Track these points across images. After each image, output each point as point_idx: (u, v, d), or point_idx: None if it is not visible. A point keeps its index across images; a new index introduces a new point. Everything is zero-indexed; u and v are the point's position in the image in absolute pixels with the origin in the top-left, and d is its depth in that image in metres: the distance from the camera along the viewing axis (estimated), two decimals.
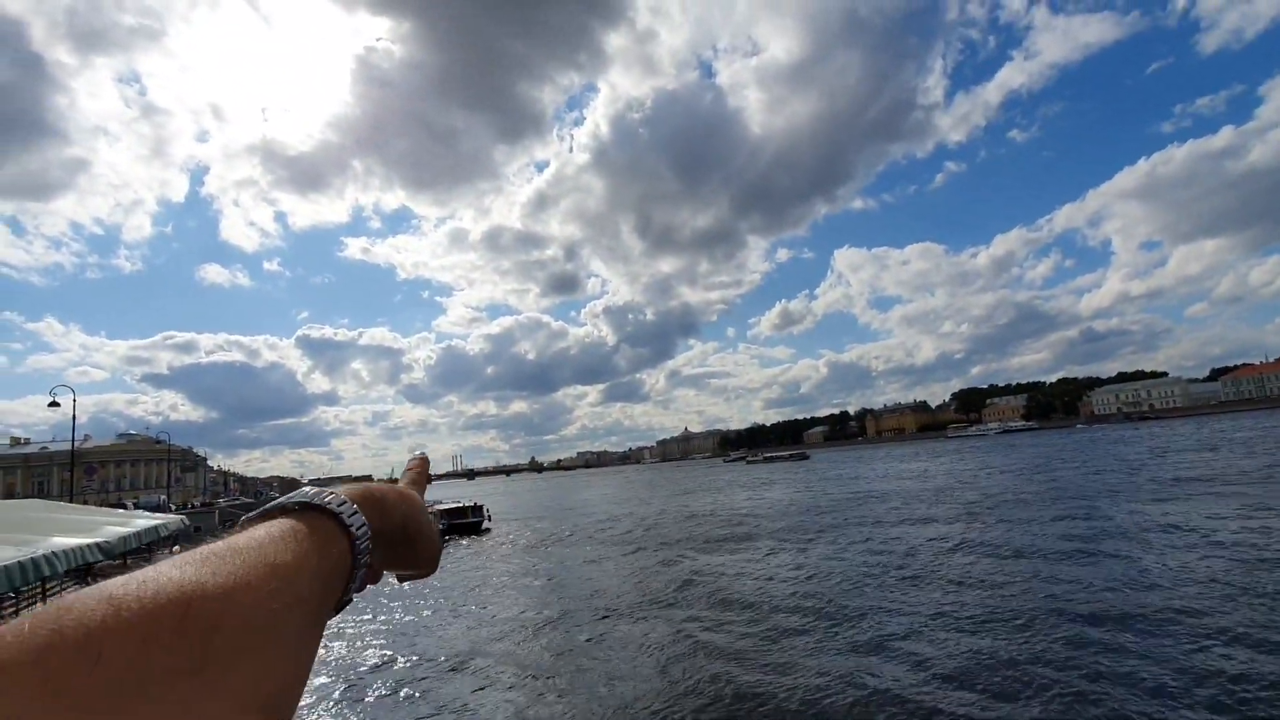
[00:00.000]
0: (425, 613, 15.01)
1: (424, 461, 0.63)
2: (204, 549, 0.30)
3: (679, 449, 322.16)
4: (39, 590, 13.22)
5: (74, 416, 34.66)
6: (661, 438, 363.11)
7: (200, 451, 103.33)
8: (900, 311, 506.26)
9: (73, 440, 39.20)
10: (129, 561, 18.70)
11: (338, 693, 9.85)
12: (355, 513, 0.41)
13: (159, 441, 72.73)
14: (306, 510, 0.39)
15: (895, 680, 8.09)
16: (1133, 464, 35.69)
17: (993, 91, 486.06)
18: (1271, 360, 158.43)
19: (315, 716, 8.94)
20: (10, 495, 70.65)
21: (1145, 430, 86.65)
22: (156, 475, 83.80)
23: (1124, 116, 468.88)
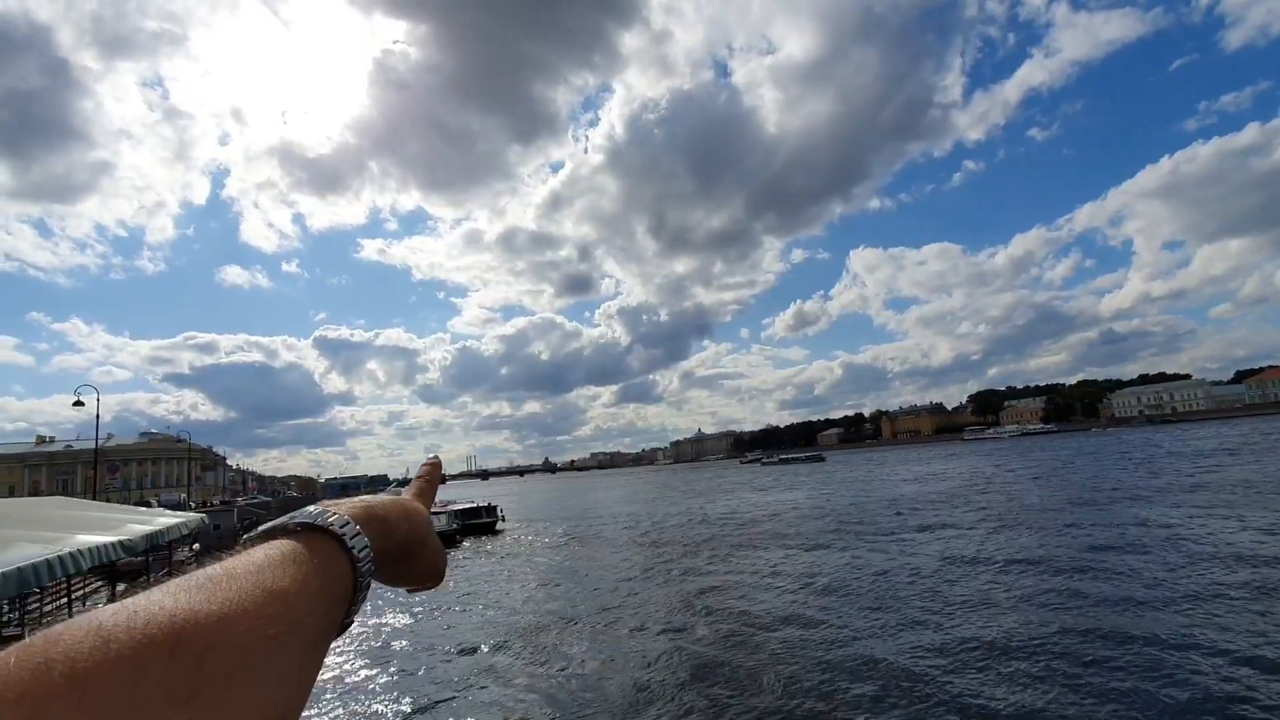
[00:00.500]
0: (435, 613, 15.08)
1: (435, 466, 0.62)
2: (200, 574, 0.30)
3: (692, 450, 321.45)
4: (64, 586, 13.46)
5: (98, 416, 35.29)
6: (675, 439, 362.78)
7: (219, 450, 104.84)
8: (917, 312, 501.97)
9: (96, 439, 39.86)
10: (150, 559, 19.01)
11: (343, 688, 9.93)
12: (357, 534, 0.40)
13: (180, 440, 73.86)
14: (308, 531, 0.38)
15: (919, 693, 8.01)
16: (1161, 468, 35.09)
17: (1012, 89, 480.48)
18: None
19: (318, 714, 9.01)
20: (35, 492, 72.05)
21: (1166, 434, 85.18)
22: (177, 474, 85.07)
23: (1146, 114, 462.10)
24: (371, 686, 10.13)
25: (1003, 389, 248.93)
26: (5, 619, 11.86)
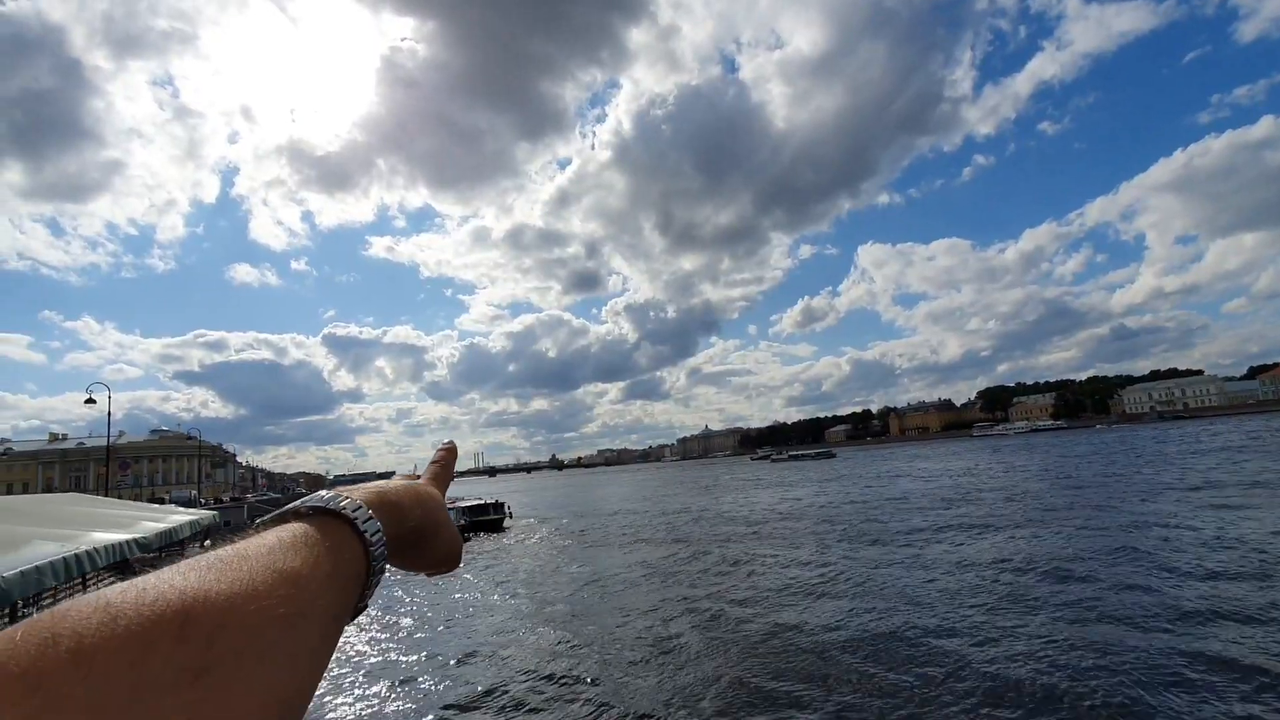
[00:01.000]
0: (442, 609, 15.12)
1: (450, 452, 0.62)
2: (212, 555, 0.30)
3: (699, 447, 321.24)
4: (80, 585, 13.57)
5: (109, 413, 35.64)
6: (682, 435, 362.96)
7: (229, 448, 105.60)
8: (925, 308, 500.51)
9: (108, 436, 40.24)
10: (163, 556, 19.16)
11: (348, 684, 9.96)
12: (370, 518, 0.40)
13: (190, 438, 74.58)
14: (321, 515, 0.38)
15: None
16: (1167, 464, 34.78)
17: (1023, 82, 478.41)
18: None
19: (325, 710, 9.03)
20: (49, 489, 72.89)
21: (1177, 430, 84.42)
22: (188, 470, 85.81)
23: (1159, 107, 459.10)
24: (376, 677, 10.15)
25: (1012, 385, 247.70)
26: (21, 617, 11.96)
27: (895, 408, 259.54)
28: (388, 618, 14.50)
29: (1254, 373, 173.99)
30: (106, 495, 32.35)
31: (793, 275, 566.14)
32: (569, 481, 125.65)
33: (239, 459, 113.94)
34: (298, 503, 0.40)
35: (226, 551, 0.30)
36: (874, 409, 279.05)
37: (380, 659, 11.46)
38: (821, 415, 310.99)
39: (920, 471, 49.26)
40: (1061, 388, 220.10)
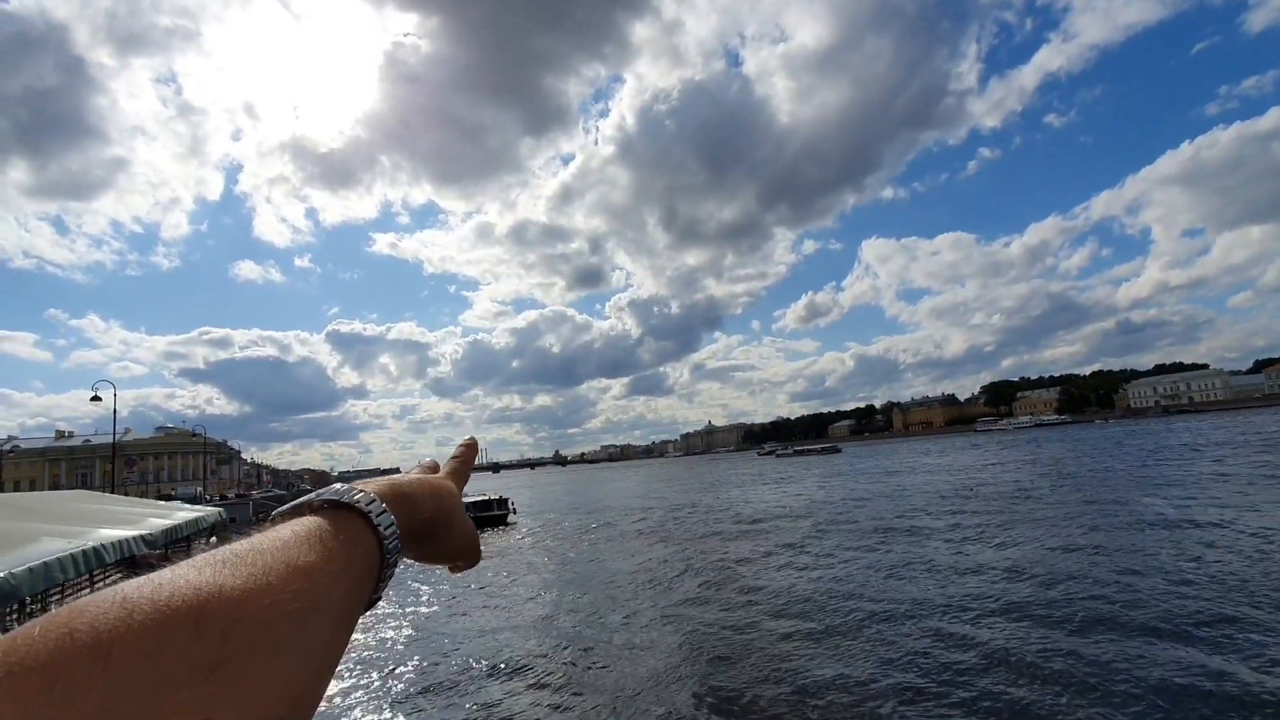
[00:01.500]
0: (447, 603, 15.18)
1: (471, 447, 0.63)
2: (227, 549, 0.30)
3: (702, 442, 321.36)
4: (87, 580, 13.66)
5: (115, 410, 35.79)
6: (685, 431, 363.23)
7: (234, 444, 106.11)
8: (929, 303, 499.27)
9: (114, 433, 40.41)
10: (170, 553, 19.29)
11: (355, 672, 10.02)
12: (384, 511, 0.40)
13: (195, 435, 74.82)
14: (335, 508, 0.39)
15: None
16: (1168, 459, 34.69)
17: (1029, 75, 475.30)
18: None
19: (333, 707, 9.10)
20: (55, 486, 73.38)
21: (1180, 424, 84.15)
22: (193, 467, 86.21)
23: (1166, 99, 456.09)
24: (382, 671, 10.21)
25: (1016, 380, 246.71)
26: (30, 613, 12.06)
27: (899, 403, 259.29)
28: (393, 609, 14.58)
29: (1259, 366, 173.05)
30: (113, 492, 32.54)
31: (796, 270, 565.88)
32: (572, 477, 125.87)
33: (244, 456, 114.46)
34: (312, 496, 0.40)
35: (241, 545, 0.31)
36: (877, 404, 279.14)
37: (383, 651, 11.53)
38: (825, 411, 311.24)
39: (927, 467, 49.19)
40: (1066, 382, 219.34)
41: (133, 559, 11.59)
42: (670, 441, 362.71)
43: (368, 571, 0.37)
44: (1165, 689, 7.12)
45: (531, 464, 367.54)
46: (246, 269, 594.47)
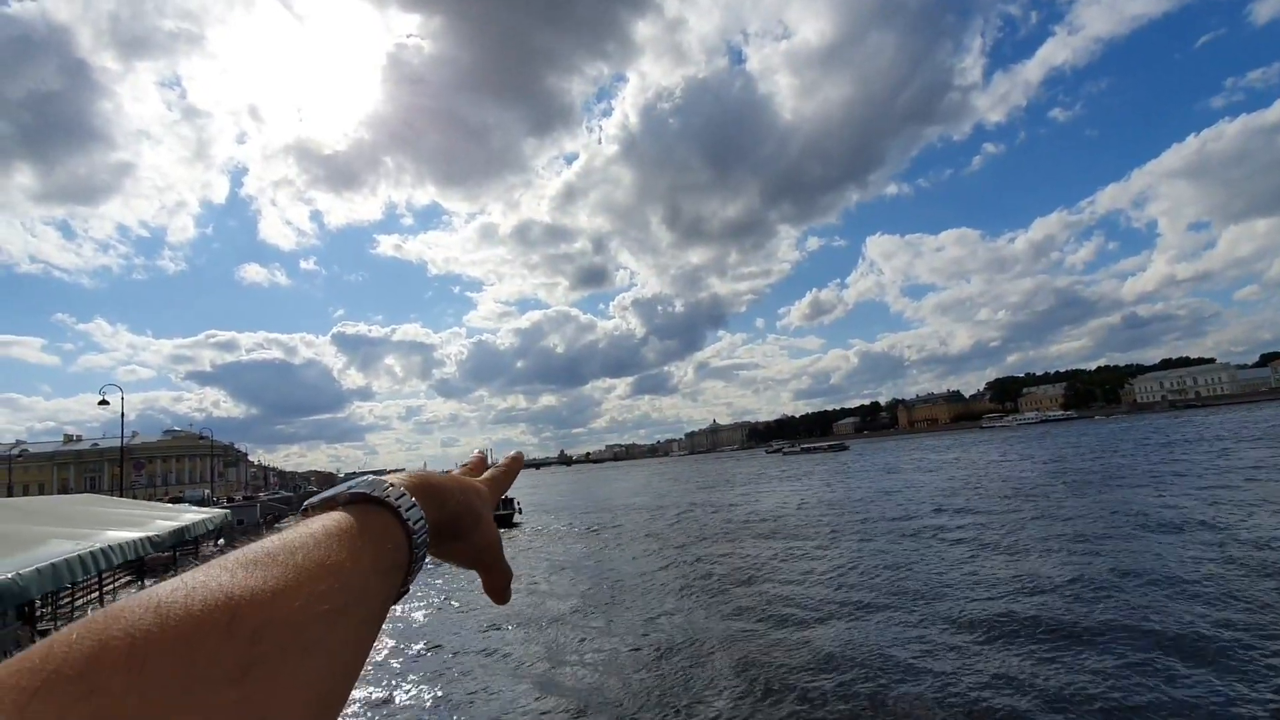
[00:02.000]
0: (452, 602, 15.20)
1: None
2: (257, 548, 0.30)
3: (707, 441, 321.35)
4: (96, 582, 13.77)
5: (122, 414, 36.01)
6: (689, 430, 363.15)
7: (241, 447, 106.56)
8: (934, 299, 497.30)
9: (121, 437, 40.69)
10: (177, 554, 19.43)
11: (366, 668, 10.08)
12: (413, 505, 0.40)
13: (203, 438, 75.17)
14: (364, 501, 0.39)
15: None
16: (1174, 454, 34.52)
17: (1034, 69, 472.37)
18: None
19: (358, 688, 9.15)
20: (64, 490, 73.80)
21: (1187, 419, 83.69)
22: (201, 470, 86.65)
23: (1172, 92, 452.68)
24: (392, 667, 10.26)
25: (1022, 376, 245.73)
26: (40, 613, 12.17)
27: (903, 400, 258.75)
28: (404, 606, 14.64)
29: (1266, 360, 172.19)
30: (121, 495, 32.76)
31: (800, 268, 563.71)
32: (577, 477, 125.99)
33: (251, 458, 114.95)
34: (342, 488, 0.40)
35: (272, 544, 0.31)
36: (882, 401, 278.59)
37: (394, 646, 11.59)
38: (829, 408, 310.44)
39: (937, 464, 49.10)
40: (1072, 378, 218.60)
41: (140, 560, 11.69)
42: (675, 441, 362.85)
43: (397, 566, 0.38)
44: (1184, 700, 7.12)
45: (537, 464, 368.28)
46: (252, 272, 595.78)
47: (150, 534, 9.16)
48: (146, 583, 16.73)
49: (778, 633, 10.39)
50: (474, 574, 0.49)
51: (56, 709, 0.19)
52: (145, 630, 0.22)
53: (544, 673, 9.74)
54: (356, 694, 9.51)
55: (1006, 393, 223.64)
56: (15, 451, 79.99)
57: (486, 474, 0.58)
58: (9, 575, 4.98)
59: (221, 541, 24.28)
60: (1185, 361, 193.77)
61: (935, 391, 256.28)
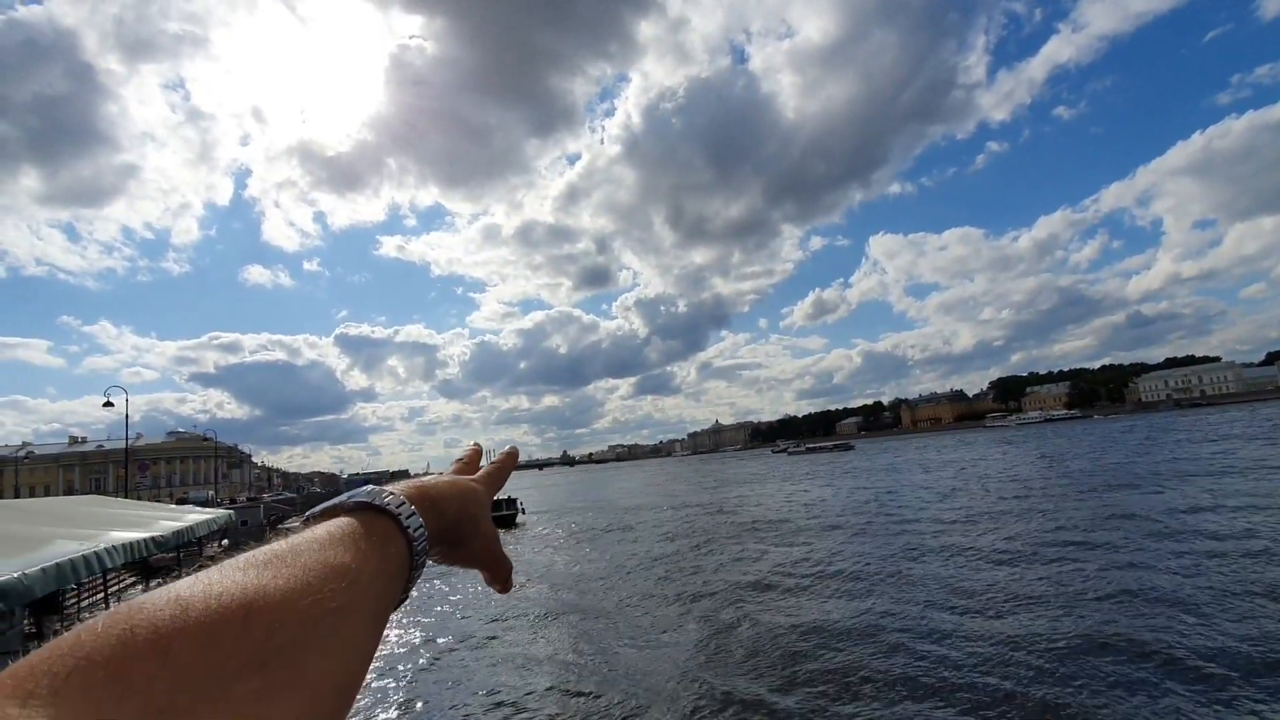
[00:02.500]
0: (455, 600, 15.26)
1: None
2: (268, 549, 0.32)
3: (710, 441, 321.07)
4: (101, 582, 13.85)
5: (127, 416, 36.21)
6: (692, 430, 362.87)
7: (245, 448, 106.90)
8: (937, 299, 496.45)
9: (126, 439, 40.85)
10: (181, 555, 19.51)
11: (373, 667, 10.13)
12: (413, 514, 0.42)
13: (206, 439, 75.46)
14: (366, 510, 0.41)
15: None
16: (1177, 453, 34.42)
17: (1038, 67, 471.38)
18: None
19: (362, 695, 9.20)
20: (70, 491, 74.14)
21: (1191, 418, 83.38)
22: (205, 471, 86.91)
23: (1178, 89, 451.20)
24: (393, 666, 10.32)
25: (1025, 375, 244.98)
26: (44, 613, 12.27)
27: (907, 399, 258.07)
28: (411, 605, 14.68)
29: (1272, 358, 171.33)
30: (125, 497, 32.91)
31: (803, 267, 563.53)
32: (580, 478, 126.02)
33: (254, 459, 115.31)
34: (344, 497, 0.42)
35: (281, 546, 0.33)
36: (885, 401, 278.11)
37: (403, 643, 11.65)
38: (832, 408, 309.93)
39: (941, 463, 49.00)
40: (1076, 377, 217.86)
41: (144, 560, 11.77)
42: (678, 441, 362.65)
43: (399, 572, 0.39)
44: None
45: (539, 464, 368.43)
46: (256, 273, 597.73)
47: (154, 534, 9.24)
48: (151, 583, 16.84)
49: (799, 643, 10.30)
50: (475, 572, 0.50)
51: (88, 695, 0.20)
52: (168, 622, 0.23)
53: (544, 673, 9.78)
54: (359, 695, 9.56)
55: (1010, 392, 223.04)
56: (21, 453, 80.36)
57: (481, 471, 0.58)
58: (14, 575, 5.05)
59: (225, 542, 24.38)
60: (1190, 360, 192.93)
61: (939, 391, 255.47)
